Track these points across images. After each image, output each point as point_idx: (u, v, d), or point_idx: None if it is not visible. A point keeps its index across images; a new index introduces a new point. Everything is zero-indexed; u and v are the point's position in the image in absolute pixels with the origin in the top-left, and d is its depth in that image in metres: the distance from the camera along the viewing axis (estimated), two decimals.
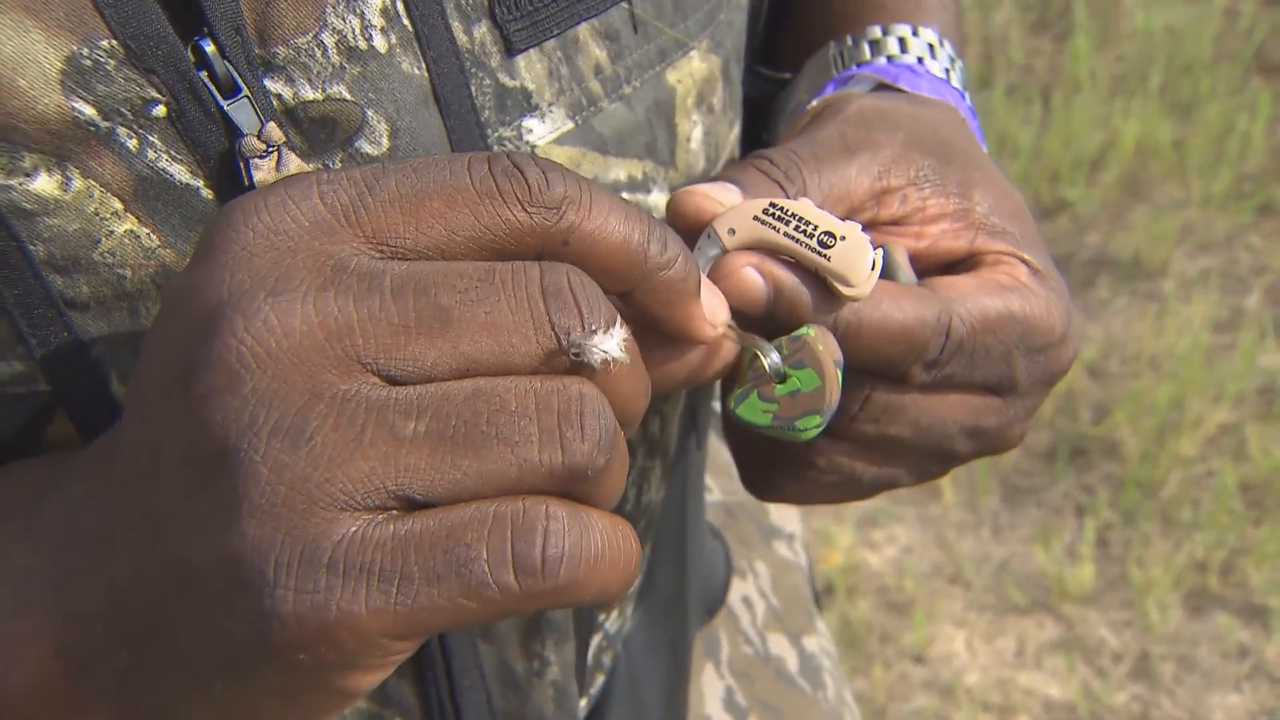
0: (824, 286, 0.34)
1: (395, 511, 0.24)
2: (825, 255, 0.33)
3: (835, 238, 0.33)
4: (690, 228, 0.35)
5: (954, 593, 1.67)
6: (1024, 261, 0.39)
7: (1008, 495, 1.79)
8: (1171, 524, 1.72)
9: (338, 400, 0.24)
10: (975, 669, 1.58)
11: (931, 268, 0.39)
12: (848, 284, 0.33)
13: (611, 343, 0.26)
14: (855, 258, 0.33)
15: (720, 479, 0.72)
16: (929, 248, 0.39)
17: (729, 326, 0.33)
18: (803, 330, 0.33)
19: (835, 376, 0.33)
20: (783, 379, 0.33)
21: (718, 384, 0.47)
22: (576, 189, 0.26)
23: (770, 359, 0.33)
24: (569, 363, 0.26)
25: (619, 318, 0.26)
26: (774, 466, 0.40)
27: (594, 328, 0.25)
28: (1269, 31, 2.48)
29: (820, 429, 0.33)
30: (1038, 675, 1.57)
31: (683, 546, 0.57)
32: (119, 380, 0.33)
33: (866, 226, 0.38)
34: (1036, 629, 1.62)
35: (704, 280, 0.31)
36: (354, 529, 0.24)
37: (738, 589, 0.66)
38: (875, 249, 0.33)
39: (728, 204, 0.35)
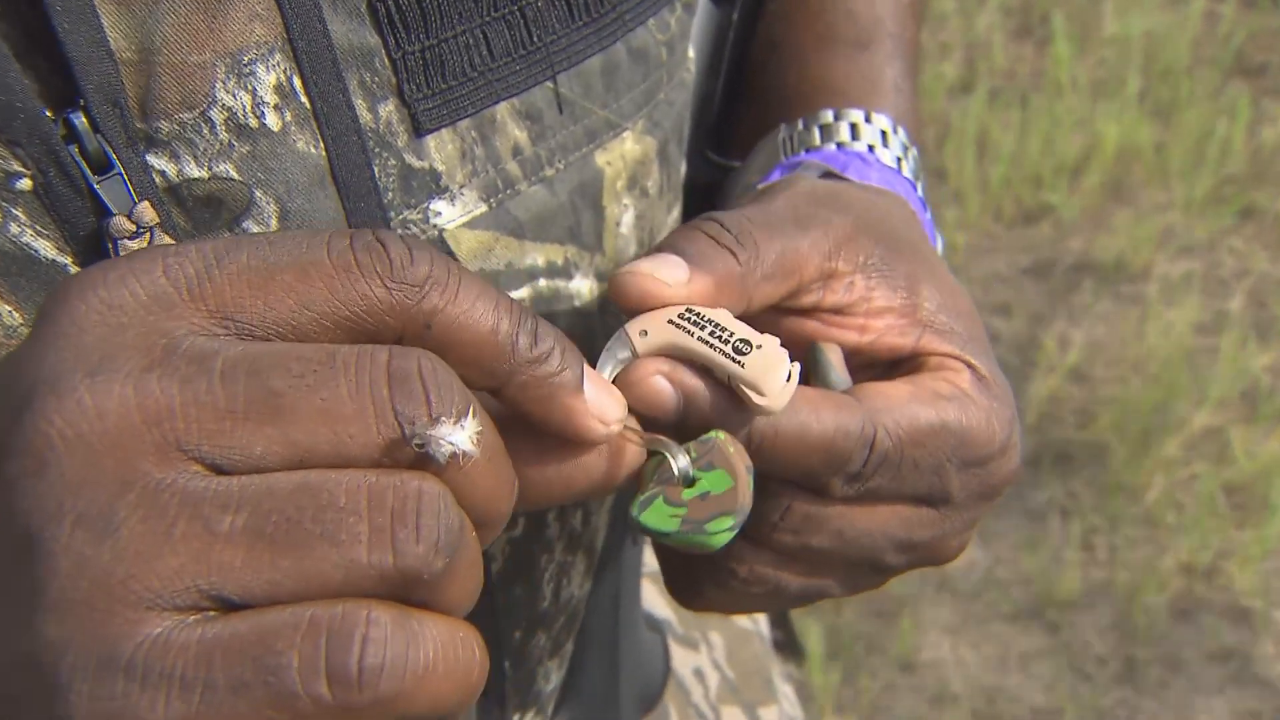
0: (736, 398, 0.32)
1: (211, 613, 0.22)
2: (739, 362, 0.31)
3: (751, 346, 0.31)
4: (634, 311, 0.33)
5: (941, 600, 1.68)
6: (969, 366, 0.37)
7: None
8: (1156, 527, 1.72)
9: (150, 490, 0.22)
10: (962, 675, 1.58)
11: (874, 363, 0.38)
12: (760, 394, 0.31)
13: (461, 435, 0.24)
14: (770, 367, 0.31)
15: None
16: (873, 343, 0.37)
17: (631, 430, 0.31)
18: (712, 434, 0.32)
19: (747, 480, 0.31)
20: (691, 483, 0.31)
21: None
22: (443, 270, 0.25)
23: (679, 461, 0.31)
24: (413, 455, 0.24)
25: (473, 408, 0.24)
26: (699, 575, 0.38)
27: (441, 418, 0.23)
28: (1248, 35, 2.49)
29: (733, 533, 0.31)
30: (1024, 681, 1.57)
31: (615, 644, 0.54)
32: None
33: (812, 310, 0.37)
34: (1023, 634, 1.62)
35: (594, 376, 0.29)
36: (158, 631, 0.22)
37: (689, 661, 0.63)
38: (792, 362, 0.32)
39: (674, 284, 0.32)
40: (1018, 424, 0.38)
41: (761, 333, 0.33)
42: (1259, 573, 1.64)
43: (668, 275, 0.33)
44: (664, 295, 0.32)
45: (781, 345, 0.32)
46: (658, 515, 0.31)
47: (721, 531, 0.30)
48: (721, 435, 0.32)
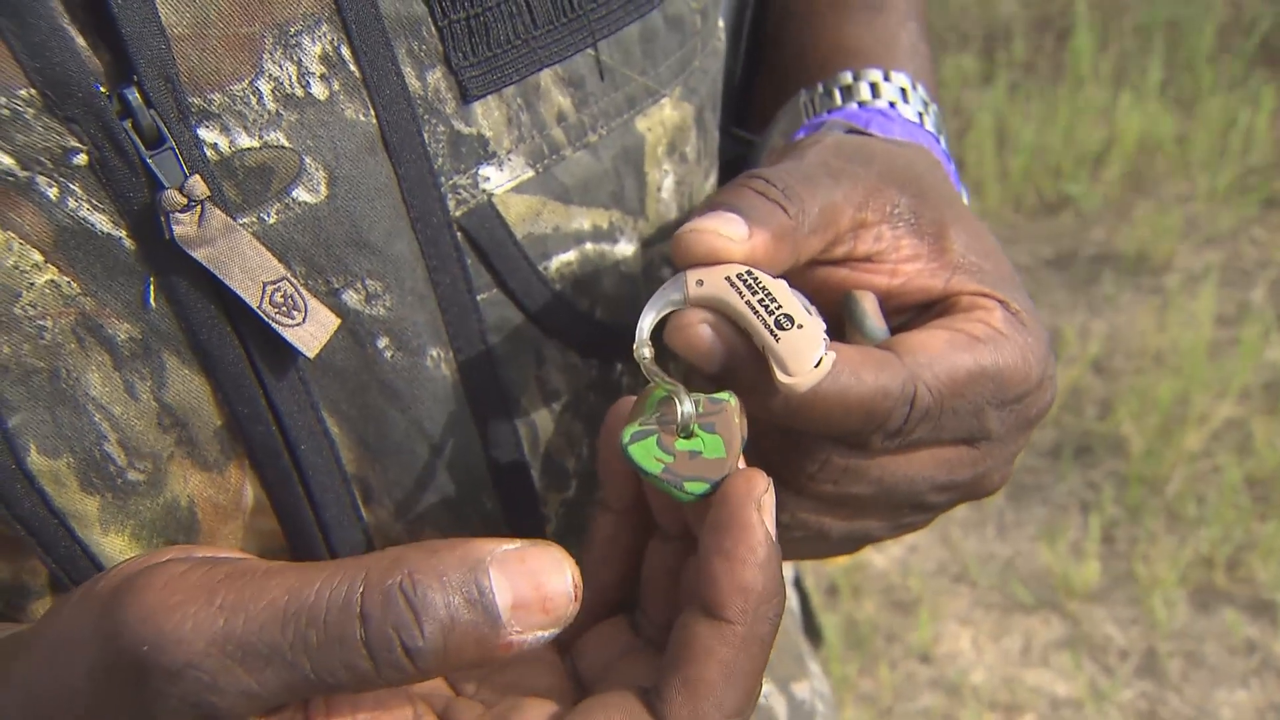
0: (767, 367, 0.33)
1: None
2: (776, 336, 0.32)
3: (793, 323, 0.32)
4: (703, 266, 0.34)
5: (959, 591, 1.67)
6: (1001, 303, 0.37)
7: (1013, 493, 1.79)
8: (1177, 520, 1.72)
9: None
10: (981, 667, 1.58)
11: (906, 306, 0.38)
12: (786, 371, 0.32)
13: None
14: (804, 348, 0.32)
15: None
16: (903, 285, 0.37)
17: (655, 369, 0.32)
18: (725, 395, 0.33)
19: (739, 453, 0.32)
20: (688, 436, 0.32)
21: None
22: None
23: (685, 409, 0.32)
24: None
25: None
26: None
27: None
28: (1272, 24, 2.47)
29: (701, 499, 0.31)
30: (1044, 673, 1.56)
31: None
32: (37, 451, 0.32)
33: (844, 260, 0.37)
34: (1042, 627, 1.62)
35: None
36: None
37: None
38: (827, 351, 0.32)
39: (737, 239, 0.33)
40: (1052, 356, 0.38)
41: (809, 300, 0.33)
42: None
43: (731, 232, 0.33)
44: (729, 252, 0.33)
45: (825, 331, 0.32)
46: (645, 453, 0.32)
47: (694, 494, 0.31)
48: (733, 401, 0.32)
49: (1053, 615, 1.63)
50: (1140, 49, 2.46)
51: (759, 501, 0.29)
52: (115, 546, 0.34)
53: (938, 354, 0.35)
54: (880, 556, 1.73)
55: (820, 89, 0.46)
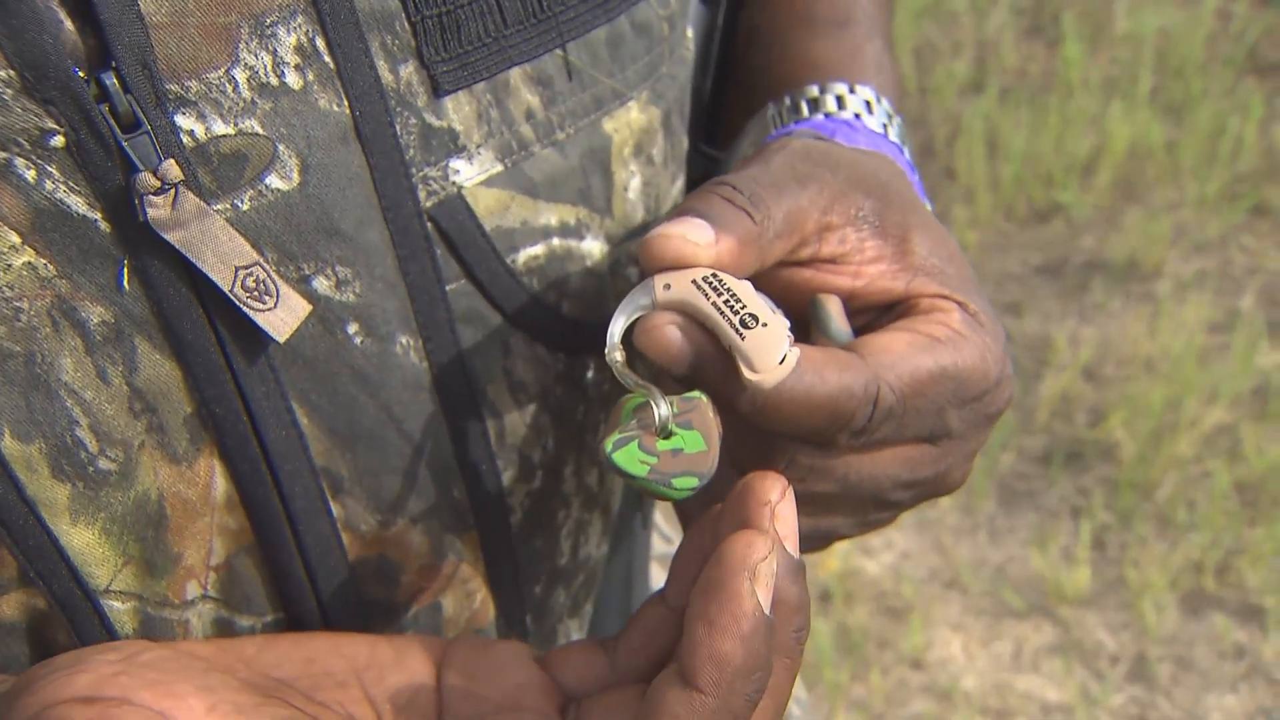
0: (735, 366, 0.33)
1: None
2: (741, 335, 0.32)
3: (758, 321, 0.33)
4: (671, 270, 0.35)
5: (951, 597, 1.68)
6: (959, 304, 0.38)
7: (1004, 499, 1.79)
8: (1167, 525, 1.72)
9: None
10: (973, 673, 1.58)
11: (868, 307, 0.39)
12: (753, 369, 0.32)
13: None
14: (769, 346, 0.32)
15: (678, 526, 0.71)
16: (866, 286, 0.38)
17: (626, 370, 0.33)
18: (695, 394, 0.33)
19: (718, 446, 0.33)
20: (668, 435, 0.33)
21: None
22: None
23: (661, 412, 0.33)
24: None
25: None
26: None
27: None
28: (1261, 33, 2.49)
29: (694, 492, 0.32)
30: (1035, 678, 1.57)
31: (628, 612, 0.56)
32: (10, 436, 0.32)
33: (809, 261, 0.38)
34: (1033, 632, 1.62)
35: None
36: None
37: None
38: (792, 348, 0.33)
39: (704, 244, 0.34)
40: (1009, 356, 0.39)
41: (774, 302, 0.34)
42: (1271, 570, 1.63)
43: (697, 237, 0.34)
44: (696, 256, 0.34)
45: (790, 329, 0.33)
46: (629, 458, 0.32)
47: (685, 489, 0.32)
48: (704, 398, 0.33)
49: (1044, 621, 1.63)
50: (1130, 57, 2.48)
51: (754, 569, 0.28)
52: (84, 540, 0.34)
53: (900, 355, 0.35)
54: (872, 563, 1.73)
55: (787, 101, 0.47)
